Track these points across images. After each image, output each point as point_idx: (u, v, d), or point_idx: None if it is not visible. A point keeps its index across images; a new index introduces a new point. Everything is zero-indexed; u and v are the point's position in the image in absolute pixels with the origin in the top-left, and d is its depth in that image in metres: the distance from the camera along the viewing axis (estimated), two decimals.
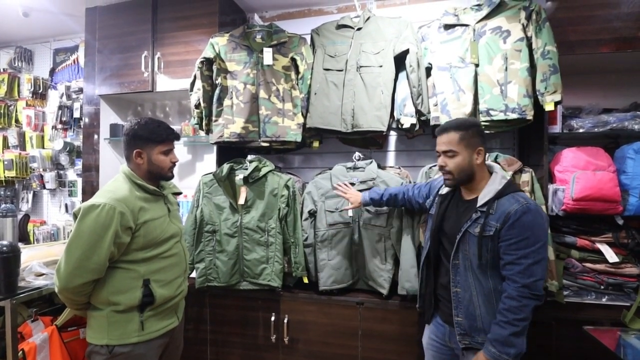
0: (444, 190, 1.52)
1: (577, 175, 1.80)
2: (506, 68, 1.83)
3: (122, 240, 1.36)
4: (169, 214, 1.55)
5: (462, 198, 1.45)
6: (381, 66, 2.06)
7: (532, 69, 1.83)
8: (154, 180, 1.53)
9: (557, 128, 1.95)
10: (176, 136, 1.56)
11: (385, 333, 1.90)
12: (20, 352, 1.60)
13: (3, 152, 3.25)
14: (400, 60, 2.06)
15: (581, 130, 1.94)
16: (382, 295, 1.94)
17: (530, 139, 2.10)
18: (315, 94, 2.15)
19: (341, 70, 2.13)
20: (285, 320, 2.02)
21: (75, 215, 1.35)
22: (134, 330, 1.39)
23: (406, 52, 2.01)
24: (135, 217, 1.39)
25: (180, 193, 1.70)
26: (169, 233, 1.52)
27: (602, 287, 1.82)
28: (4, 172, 3.18)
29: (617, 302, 1.81)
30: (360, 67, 2.09)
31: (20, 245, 1.99)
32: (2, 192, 3.30)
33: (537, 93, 1.80)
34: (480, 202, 1.33)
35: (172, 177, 1.57)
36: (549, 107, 1.76)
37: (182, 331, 1.70)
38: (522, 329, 1.23)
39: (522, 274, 1.22)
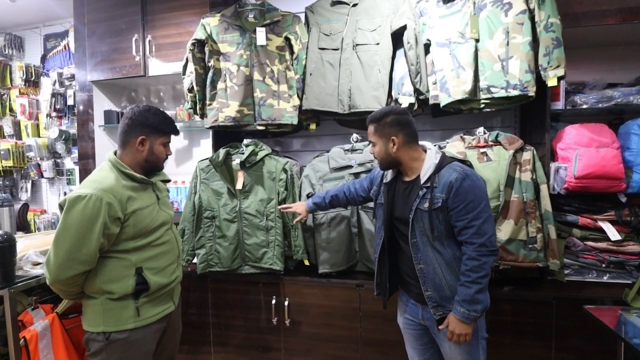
0: (388, 177, 1.56)
1: (580, 152, 1.76)
2: (507, 43, 1.76)
3: (111, 231, 1.34)
4: (158, 202, 1.53)
5: (404, 181, 1.50)
6: (378, 44, 2.00)
7: (535, 43, 1.76)
8: (147, 169, 1.50)
9: (559, 104, 1.90)
10: (177, 131, 1.57)
11: (385, 314, 1.90)
12: (22, 340, 1.61)
13: None
14: (397, 37, 1.98)
15: (585, 106, 1.89)
16: None
17: (532, 116, 2.05)
18: (310, 74, 2.09)
19: (337, 49, 2.06)
20: (286, 303, 2.03)
21: (60, 207, 1.32)
22: (129, 316, 1.39)
23: (404, 28, 1.93)
24: (124, 207, 1.36)
25: (169, 180, 1.67)
26: (159, 221, 1.49)
27: (603, 265, 1.81)
28: (2, 162, 3.16)
29: (618, 280, 1.80)
30: (357, 45, 2.02)
31: (19, 234, 1.99)
32: (1, 182, 3.30)
33: (540, 68, 1.74)
34: (423, 179, 1.40)
35: (162, 169, 1.57)
36: (551, 82, 1.70)
37: (180, 315, 1.70)
38: (484, 285, 1.31)
39: (477, 235, 1.31)
